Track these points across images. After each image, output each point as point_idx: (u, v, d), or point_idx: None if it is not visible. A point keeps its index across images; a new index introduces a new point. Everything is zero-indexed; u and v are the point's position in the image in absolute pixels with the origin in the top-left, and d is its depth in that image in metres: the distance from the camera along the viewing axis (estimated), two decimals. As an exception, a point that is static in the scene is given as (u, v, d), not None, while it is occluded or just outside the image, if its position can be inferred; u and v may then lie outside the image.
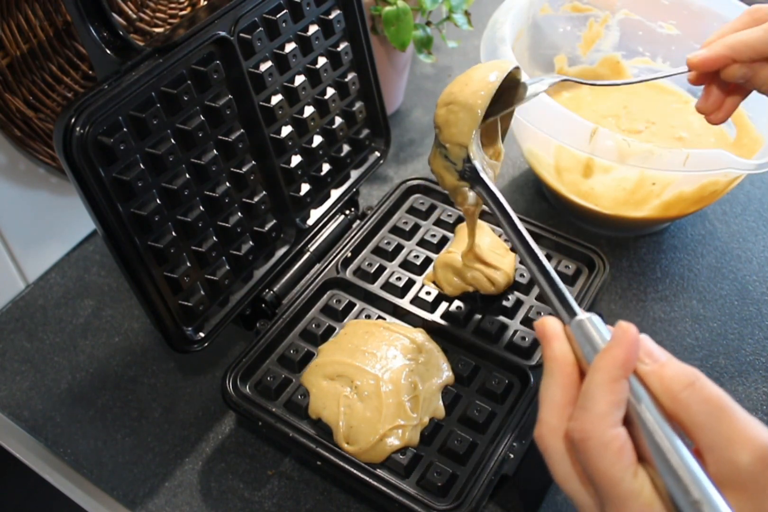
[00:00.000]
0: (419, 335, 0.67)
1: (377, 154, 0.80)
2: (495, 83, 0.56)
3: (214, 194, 0.62)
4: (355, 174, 0.78)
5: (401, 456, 0.58)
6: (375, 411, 0.60)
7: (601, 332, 0.40)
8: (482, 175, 0.55)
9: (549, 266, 0.46)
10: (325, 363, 0.64)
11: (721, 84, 0.55)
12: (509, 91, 0.60)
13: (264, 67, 0.64)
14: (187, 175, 0.59)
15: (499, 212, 0.51)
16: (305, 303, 0.69)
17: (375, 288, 0.71)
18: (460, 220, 0.77)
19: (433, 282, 0.71)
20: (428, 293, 0.70)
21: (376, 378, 0.62)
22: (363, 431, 0.59)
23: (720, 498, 0.33)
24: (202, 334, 0.63)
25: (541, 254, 0.47)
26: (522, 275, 0.71)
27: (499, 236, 0.74)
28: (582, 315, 0.41)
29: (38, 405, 0.70)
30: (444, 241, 0.75)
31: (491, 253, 0.70)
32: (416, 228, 0.77)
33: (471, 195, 0.59)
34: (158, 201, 0.57)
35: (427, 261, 0.73)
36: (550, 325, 0.42)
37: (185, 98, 0.57)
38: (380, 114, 0.78)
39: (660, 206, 0.78)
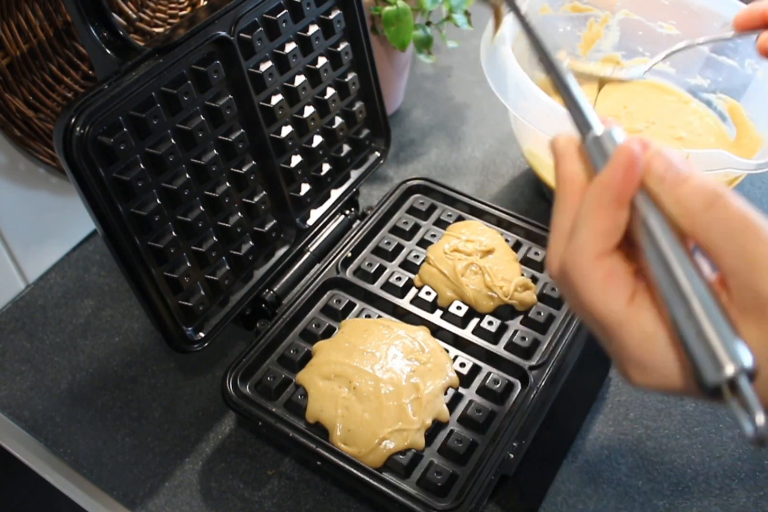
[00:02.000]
0: (421, 334, 0.66)
1: (377, 154, 0.80)
2: None
3: (214, 194, 0.62)
4: (355, 174, 0.78)
5: (401, 456, 0.58)
6: (374, 413, 0.59)
7: None
8: None
9: (566, 73, 0.39)
10: (321, 362, 0.63)
11: None
12: None
13: (264, 67, 0.64)
14: (187, 175, 0.59)
15: (518, 17, 0.44)
16: (305, 303, 0.69)
17: (375, 288, 0.71)
18: (459, 219, 0.78)
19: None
20: (428, 293, 0.70)
21: (375, 379, 0.61)
22: (361, 434, 0.58)
23: (726, 324, 0.30)
24: (202, 334, 0.63)
25: (559, 63, 0.39)
26: (522, 274, 0.71)
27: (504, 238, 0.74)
28: (599, 130, 0.36)
29: (38, 405, 0.70)
30: (444, 241, 0.75)
31: (498, 267, 0.70)
32: (416, 228, 0.77)
33: None
34: (158, 201, 0.57)
35: (427, 261, 0.73)
36: (560, 142, 0.37)
37: (185, 98, 0.57)
38: (380, 114, 0.78)
39: (660, 206, 0.78)
